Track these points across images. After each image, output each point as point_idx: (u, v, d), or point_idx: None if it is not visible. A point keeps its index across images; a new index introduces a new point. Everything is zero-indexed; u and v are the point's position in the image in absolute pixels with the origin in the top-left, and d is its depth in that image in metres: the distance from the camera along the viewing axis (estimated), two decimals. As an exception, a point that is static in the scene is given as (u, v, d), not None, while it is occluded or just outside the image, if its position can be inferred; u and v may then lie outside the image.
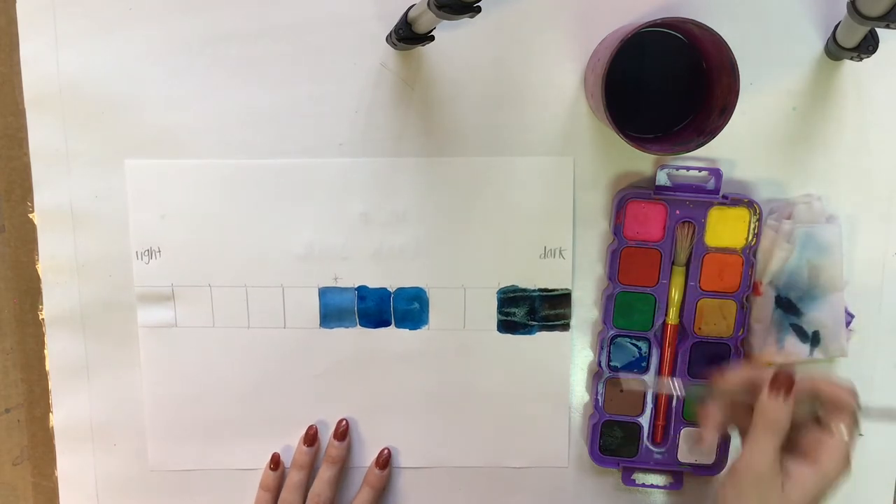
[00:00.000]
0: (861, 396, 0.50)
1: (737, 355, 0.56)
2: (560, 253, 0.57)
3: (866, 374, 0.58)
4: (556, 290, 0.57)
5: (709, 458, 0.57)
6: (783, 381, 0.48)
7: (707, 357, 0.56)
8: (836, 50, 0.53)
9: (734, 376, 0.51)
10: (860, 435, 0.49)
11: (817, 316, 0.55)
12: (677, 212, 0.55)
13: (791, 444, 0.48)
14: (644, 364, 0.57)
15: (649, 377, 0.57)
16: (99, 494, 0.60)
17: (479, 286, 0.57)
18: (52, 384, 0.59)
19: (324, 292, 0.57)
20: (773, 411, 0.47)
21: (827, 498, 0.48)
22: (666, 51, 0.52)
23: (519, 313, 0.57)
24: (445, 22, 0.43)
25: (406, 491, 0.60)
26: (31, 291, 0.58)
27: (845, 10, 0.47)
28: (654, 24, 0.47)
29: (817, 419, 0.49)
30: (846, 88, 0.55)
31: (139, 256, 0.57)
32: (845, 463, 0.47)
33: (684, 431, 0.57)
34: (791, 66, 0.55)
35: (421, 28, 0.49)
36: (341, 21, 0.55)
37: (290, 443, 0.59)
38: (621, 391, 0.58)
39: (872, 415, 0.49)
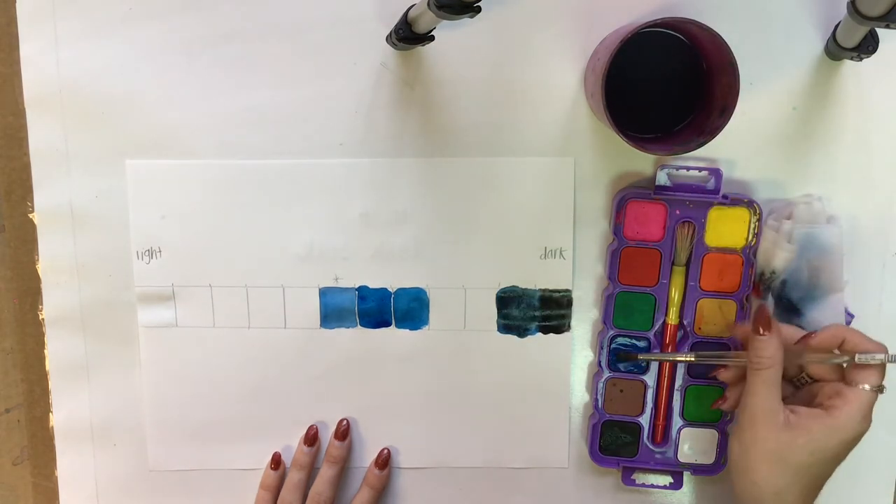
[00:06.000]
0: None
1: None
2: (560, 253, 0.57)
3: (866, 374, 0.58)
4: (557, 290, 0.57)
5: (709, 458, 0.57)
6: (761, 317, 0.49)
7: (707, 357, 0.56)
8: (836, 50, 0.53)
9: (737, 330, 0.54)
10: (882, 390, 0.48)
11: (817, 316, 0.55)
12: (677, 212, 0.55)
13: (810, 398, 0.49)
14: (644, 364, 0.57)
15: (649, 377, 0.57)
16: (99, 494, 0.60)
17: (480, 286, 0.57)
18: (52, 384, 0.59)
19: (324, 292, 0.57)
20: (758, 349, 0.48)
21: (840, 455, 0.47)
22: (666, 51, 0.52)
23: (519, 314, 0.57)
24: (445, 22, 0.43)
25: (406, 491, 0.60)
26: (31, 291, 0.58)
27: (845, 10, 0.47)
28: (654, 24, 0.47)
29: (842, 375, 0.49)
30: (846, 88, 0.55)
31: (139, 256, 0.57)
32: (863, 419, 0.46)
33: (685, 431, 0.57)
34: (791, 66, 0.55)
35: (421, 28, 0.49)
36: (341, 21, 0.55)
37: (290, 443, 0.59)
38: (621, 391, 0.58)
39: None
